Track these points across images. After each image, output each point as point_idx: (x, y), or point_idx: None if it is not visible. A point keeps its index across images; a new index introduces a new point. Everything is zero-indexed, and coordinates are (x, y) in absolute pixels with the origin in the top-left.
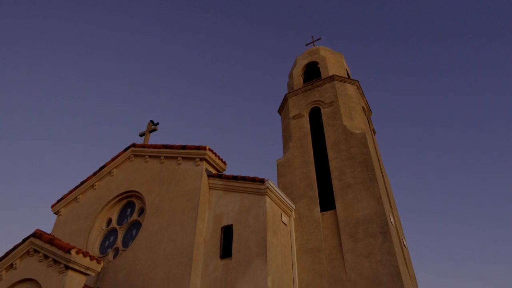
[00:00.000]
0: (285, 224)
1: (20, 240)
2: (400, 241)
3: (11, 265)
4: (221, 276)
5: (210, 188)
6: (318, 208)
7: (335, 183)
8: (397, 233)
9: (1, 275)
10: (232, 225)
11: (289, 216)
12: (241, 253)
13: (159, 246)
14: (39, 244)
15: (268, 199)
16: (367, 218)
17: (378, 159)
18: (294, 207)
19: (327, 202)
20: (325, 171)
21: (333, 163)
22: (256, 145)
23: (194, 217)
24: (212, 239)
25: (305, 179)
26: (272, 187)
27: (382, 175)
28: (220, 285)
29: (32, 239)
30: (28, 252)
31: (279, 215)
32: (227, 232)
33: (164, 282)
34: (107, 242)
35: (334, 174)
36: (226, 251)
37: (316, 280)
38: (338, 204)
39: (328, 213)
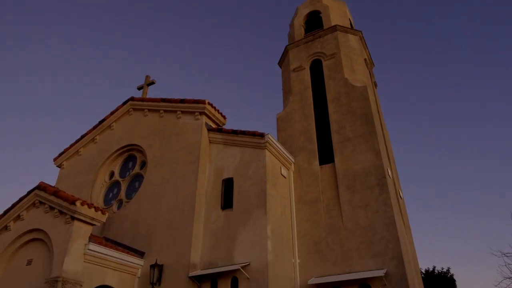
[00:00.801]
0: (284, 177)
1: (25, 193)
2: (397, 193)
3: (18, 216)
4: (222, 226)
5: (210, 142)
6: (317, 161)
7: (335, 137)
8: (394, 185)
9: (9, 225)
10: (232, 178)
11: (288, 169)
12: (241, 204)
13: (162, 197)
14: (44, 196)
15: (267, 153)
16: (365, 171)
17: (379, 113)
18: (293, 160)
19: (326, 155)
20: (325, 124)
21: (333, 117)
22: (256, 99)
23: (195, 170)
24: (213, 191)
25: (305, 132)
26: (272, 141)
27: (382, 129)
28: (222, 233)
29: (37, 191)
30: (34, 204)
31: (279, 168)
32: (227, 185)
33: (168, 230)
34: (111, 194)
35: (334, 127)
36: (227, 202)
37: (313, 229)
38: (337, 157)
39: (327, 166)
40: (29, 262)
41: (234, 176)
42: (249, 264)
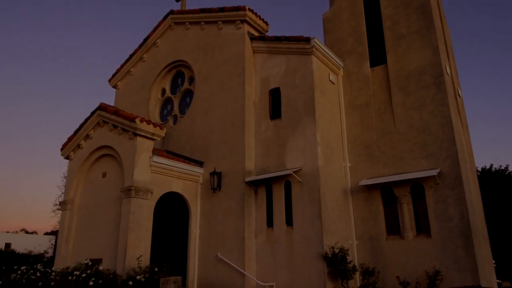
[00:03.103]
0: (333, 83)
1: (89, 114)
2: (455, 91)
3: (87, 135)
4: (272, 135)
5: (254, 52)
6: (368, 64)
7: (387, 35)
8: (452, 83)
9: (81, 144)
10: (279, 87)
11: (337, 74)
12: (290, 113)
13: (213, 111)
14: (106, 116)
15: (314, 59)
16: (420, 69)
17: (438, 5)
18: (342, 64)
19: (377, 56)
20: (376, 22)
21: (385, 12)
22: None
23: (241, 82)
24: (261, 102)
25: (354, 33)
26: (318, 45)
27: (442, 23)
28: (272, 142)
29: (99, 111)
30: (98, 123)
31: (327, 74)
32: (275, 95)
33: (222, 141)
34: (165, 111)
35: (386, 24)
36: (275, 112)
37: (364, 133)
38: (389, 57)
39: (378, 68)
40: (104, 175)
41: (281, 86)
42: (300, 169)
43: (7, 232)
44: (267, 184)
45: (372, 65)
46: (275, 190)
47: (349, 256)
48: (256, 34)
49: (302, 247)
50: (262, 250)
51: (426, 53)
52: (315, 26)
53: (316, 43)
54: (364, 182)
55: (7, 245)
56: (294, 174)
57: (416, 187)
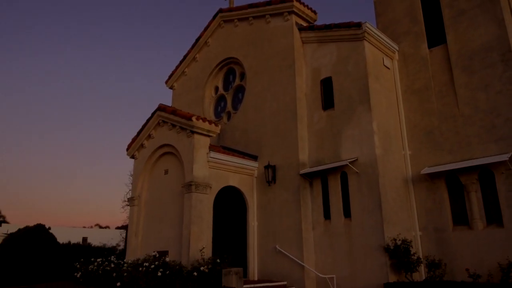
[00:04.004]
0: (388, 68)
1: (149, 115)
2: None
3: (149, 135)
4: (325, 126)
5: (303, 43)
6: (426, 44)
7: (446, 12)
8: None
9: (144, 143)
10: (331, 77)
11: (391, 58)
12: (343, 102)
13: (264, 105)
14: (165, 116)
15: (366, 44)
16: (484, 46)
17: None
18: (397, 48)
19: (435, 36)
20: (432, 0)
21: None
22: None
23: (291, 74)
24: (313, 93)
25: (409, 13)
26: (370, 29)
27: None
28: (326, 133)
29: (158, 112)
30: (158, 123)
31: (381, 59)
32: (326, 84)
33: (275, 135)
34: (219, 108)
35: (444, 1)
36: (328, 102)
37: (425, 119)
38: (449, 36)
39: (437, 49)
40: (166, 172)
41: (333, 75)
42: (357, 159)
43: (84, 227)
44: (322, 176)
45: (430, 45)
46: (331, 182)
47: (412, 248)
48: (304, 24)
49: (362, 239)
50: (320, 242)
51: (491, 28)
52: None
53: (367, 27)
54: (427, 170)
55: (84, 239)
56: (350, 165)
57: (485, 174)
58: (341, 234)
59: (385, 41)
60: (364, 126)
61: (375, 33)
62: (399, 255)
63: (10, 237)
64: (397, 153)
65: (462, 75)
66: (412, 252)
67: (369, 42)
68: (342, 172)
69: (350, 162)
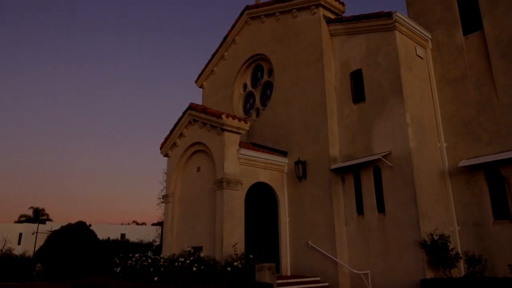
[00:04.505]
0: (421, 58)
1: (180, 114)
2: None
3: (181, 134)
4: (356, 119)
5: (331, 35)
6: (461, 32)
7: None
8: None
9: (177, 142)
10: (361, 69)
11: (424, 47)
12: (374, 95)
13: (293, 100)
14: (196, 114)
15: (397, 34)
16: None
17: None
18: (430, 36)
19: (470, 23)
20: None
21: None
22: None
23: (320, 68)
24: (342, 86)
25: (441, 0)
26: (401, 18)
27: None
28: (357, 127)
29: (189, 111)
30: (190, 122)
31: (413, 49)
32: (356, 77)
33: (305, 130)
34: (248, 104)
35: None
36: (358, 95)
37: (461, 110)
38: (485, 22)
39: (473, 36)
40: (198, 169)
41: (363, 67)
42: (390, 153)
43: (122, 224)
44: (354, 171)
45: (466, 33)
46: (364, 176)
47: (450, 243)
48: (332, 16)
49: (397, 234)
50: (353, 238)
51: None
52: (394, 1)
53: (398, 17)
54: (465, 162)
55: (122, 235)
56: (383, 159)
57: None
58: (375, 230)
59: (417, 30)
60: (397, 119)
61: (407, 22)
62: (436, 250)
63: (54, 234)
64: (432, 145)
65: (501, 62)
66: (450, 248)
67: (400, 32)
68: (375, 166)
69: (383, 156)
